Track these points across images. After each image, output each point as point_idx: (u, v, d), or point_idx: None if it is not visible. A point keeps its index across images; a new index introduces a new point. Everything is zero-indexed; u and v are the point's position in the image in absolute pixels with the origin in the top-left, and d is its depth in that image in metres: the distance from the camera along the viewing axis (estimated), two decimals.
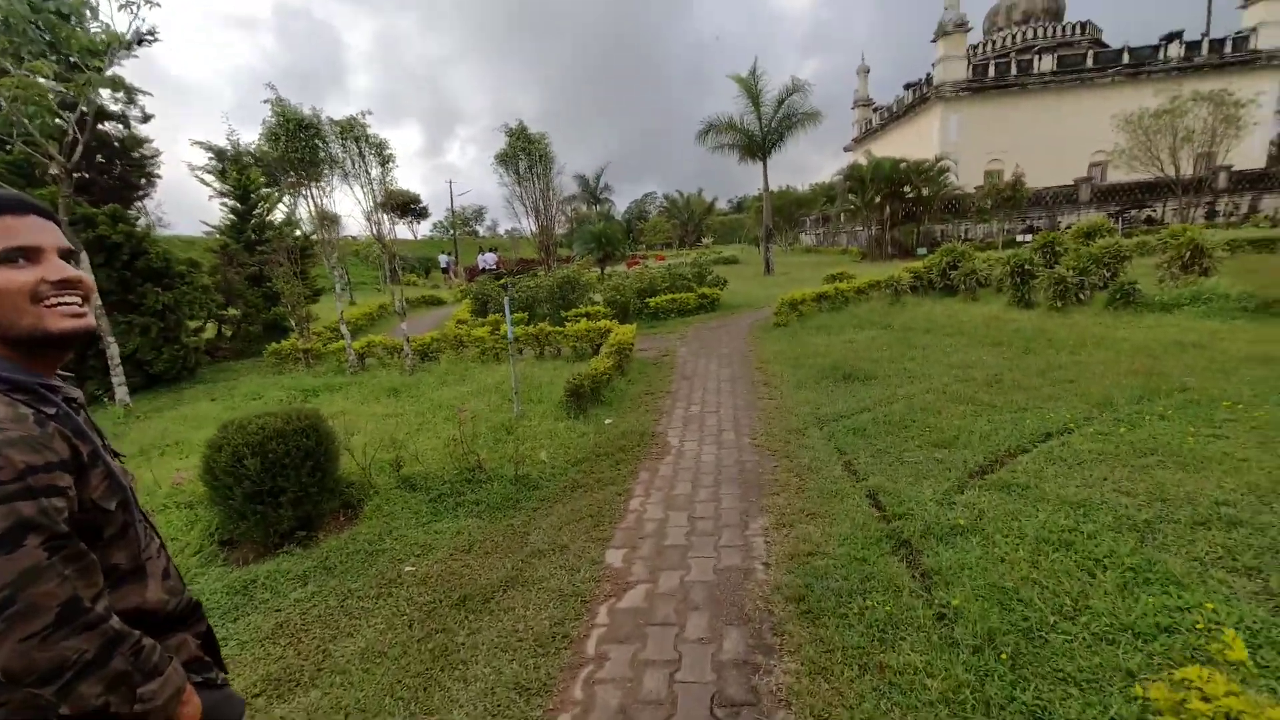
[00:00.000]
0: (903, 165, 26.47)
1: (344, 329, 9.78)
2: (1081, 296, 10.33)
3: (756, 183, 22.62)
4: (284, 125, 8.02)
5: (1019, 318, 9.81)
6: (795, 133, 21.98)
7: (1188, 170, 26.42)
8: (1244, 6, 33.02)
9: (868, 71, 48.73)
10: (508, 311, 5.96)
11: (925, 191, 26.98)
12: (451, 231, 43.94)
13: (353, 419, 6.45)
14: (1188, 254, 12.42)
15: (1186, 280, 11.39)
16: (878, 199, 27.58)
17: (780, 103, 21.58)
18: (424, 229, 58.07)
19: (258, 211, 14.47)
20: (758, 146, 22.44)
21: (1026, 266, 10.96)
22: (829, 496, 3.97)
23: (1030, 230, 28.90)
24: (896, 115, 39.58)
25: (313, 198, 8.53)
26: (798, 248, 48.18)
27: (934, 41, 33.48)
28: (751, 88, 21.37)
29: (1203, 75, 30.71)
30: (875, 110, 46.29)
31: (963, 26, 32.69)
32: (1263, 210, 28.43)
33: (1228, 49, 32.45)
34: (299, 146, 7.98)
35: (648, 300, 12.33)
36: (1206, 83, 28.48)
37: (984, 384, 6.13)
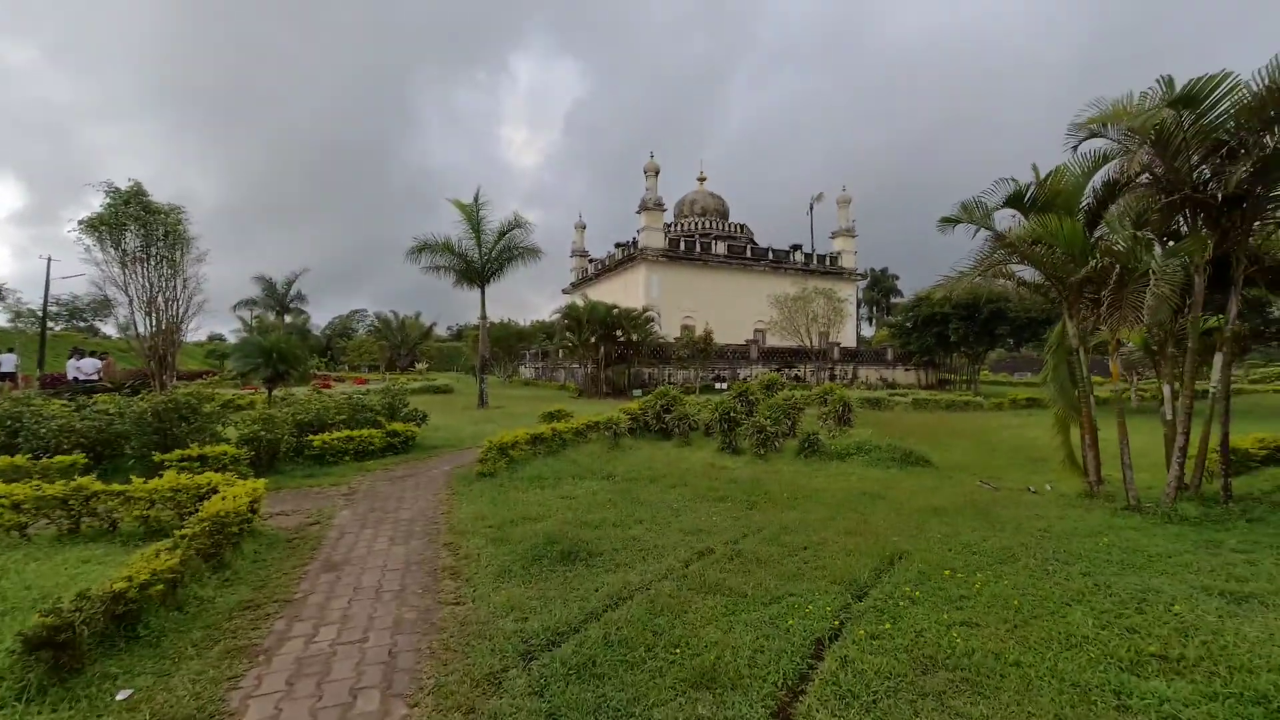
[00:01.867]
0: (615, 311, 28.47)
1: None
2: (777, 445, 10.91)
3: (477, 312, 21.68)
4: None
5: (732, 465, 9.70)
6: (515, 265, 21.77)
7: (817, 343, 34.41)
8: (833, 237, 47.04)
9: (584, 227, 54.53)
10: None
11: (635, 336, 29.26)
12: (42, 325, 31.62)
13: None
14: (841, 409, 14.78)
15: (842, 430, 13.28)
16: (593, 339, 28.86)
17: (502, 234, 21.30)
18: None
19: None
20: (476, 274, 21.45)
21: (732, 415, 11.34)
22: None
23: (719, 379, 33.54)
24: (609, 268, 44.14)
25: None
26: (516, 380, 47.86)
27: (638, 213, 39.01)
28: (472, 215, 20.72)
29: (816, 276, 41.73)
30: (591, 261, 51.24)
31: (660, 206, 39.01)
32: (861, 376, 38.46)
33: (828, 262, 45.22)
34: None
35: (310, 439, 9.10)
36: (819, 282, 38.62)
37: (725, 559, 5.03)
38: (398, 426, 10.36)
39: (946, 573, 4.59)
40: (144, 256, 11.79)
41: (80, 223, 11.71)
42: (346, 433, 9.50)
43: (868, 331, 74.52)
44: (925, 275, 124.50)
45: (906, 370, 40.34)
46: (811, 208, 51.32)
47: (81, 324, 66.98)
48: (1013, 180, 7.40)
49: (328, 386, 26.95)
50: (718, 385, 24.90)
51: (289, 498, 7.37)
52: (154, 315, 12.33)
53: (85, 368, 19.30)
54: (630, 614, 3.85)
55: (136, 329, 12.34)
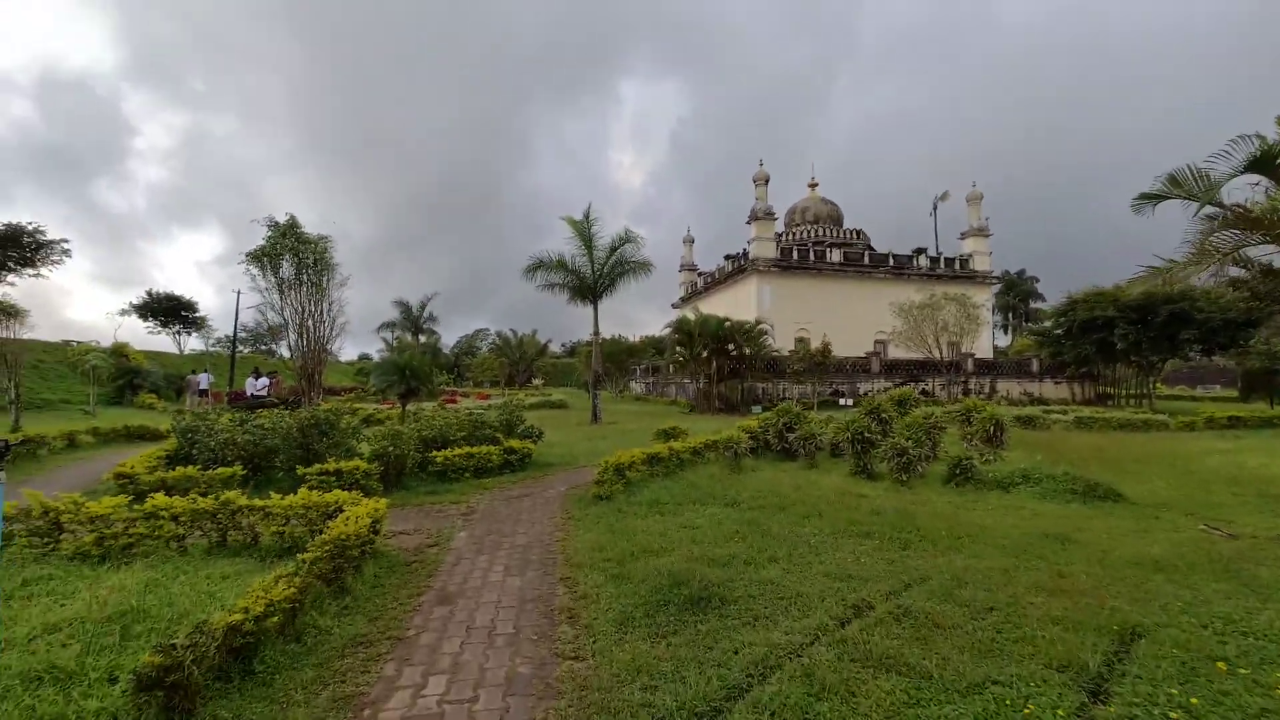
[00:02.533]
0: (726, 324, 27.61)
1: None
2: (920, 469, 9.54)
3: (588, 328, 22.10)
4: None
5: (870, 492, 8.54)
6: (626, 280, 21.71)
7: (948, 354, 31.21)
8: (962, 238, 42.86)
9: (692, 241, 54.14)
10: None
11: (747, 350, 28.17)
12: (233, 348, 36.66)
13: None
14: (992, 428, 12.88)
15: (995, 453, 11.49)
16: (704, 353, 28.15)
17: (613, 249, 21.35)
18: (194, 342, 48.81)
19: None
20: (588, 289, 21.64)
21: (865, 434, 10.12)
22: None
23: (838, 394, 31.43)
24: (719, 281, 43.31)
25: None
26: (628, 395, 48.22)
27: (748, 223, 37.91)
28: (584, 231, 20.96)
29: (944, 282, 38.10)
30: (700, 275, 50.70)
31: (770, 215, 37.66)
32: (1000, 390, 34.35)
33: (958, 265, 41.20)
34: None
35: (433, 455, 9.24)
36: (947, 287, 35.15)
37: (890, 619, 4.10)
38: (514, 444, 10.32)
39: (1220, 666, 3.36)
40: (297, 283, 13.06)
41: (247, 255, 13.25)
42: (466, 449, 9.56)
43: (1003, 341, 67.08)
44: (1067, 277, 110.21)
45: (1057, 383, 35.45)
46: (935, 208, 47.30)
47: (263, 347, 77.69)
48: (1257, 137, 5.78)
49: (454, 402, 28.57)
50: (841, 401, 23.16)
51: (412, 515, 7.38)
52: (304, 336, 13.53)
53: (258, 386, 21.84)
54: (784, 694, 3.09)
55: (290, 347, 13.64)
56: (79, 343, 26.98)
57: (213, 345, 55.37)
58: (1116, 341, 24.50)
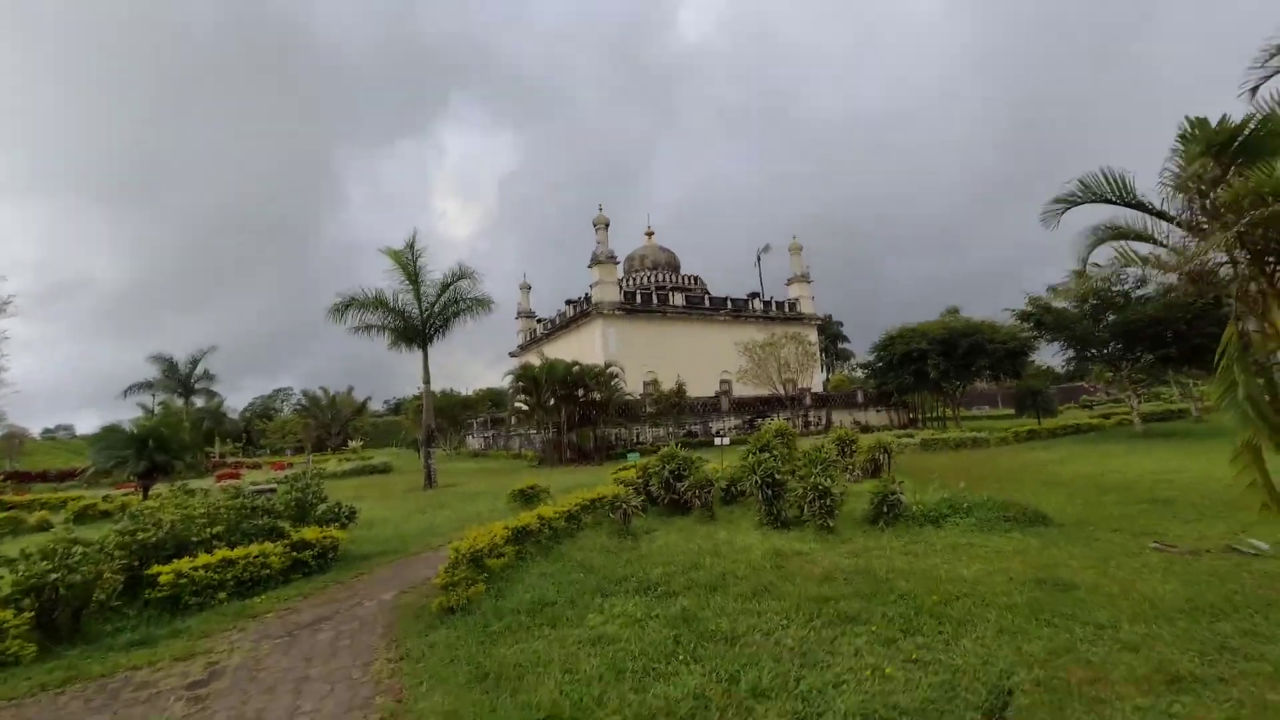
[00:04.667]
0: (575, 368, 25.57)
1: None
2: (837, 511, 8.15)
3: (414, 382, 18.55)
4: None
5: (803, 548, 6.83)
6: (462, 320, 18.71)
7: (790, 389, 32.50)
8: (789, 284, 46.43)
9: (529, 288, 51.82)
10: None
11: (599, 395, 26.30)
12: None
13: None
14: (880, 455, 12.28)
15: (872, 482, 10.82)
16: (552, 400, 25.71)
17: (445, 286, 18.31)
18: None
19: None
20: (416, 332, 18.21)
21: (775, 477, 8.55)
22: None
23: (691, 434, 30.77)
24: (561, 326, 41.35)
25: None
26: (464, 452, 43.46)
27: (590, 267, 36.83)
28: (408, 264, 17.70)
29: (778, 323, 40.43)
30: (539, 321, 48.36)
31: (613, 259, 37.03)
32: (835, 420, 36.69)
33: (788, 308, 44.26)
34: None
35: (157, 573, 5.59)
36: (781, 328, 37.20)
37: None
38: (310, 534, 6.94)
39: None
40: None
41: None
42: (224, 553, 6.04)
43: (818, 378, 74.36)
44: (867, 327, 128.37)
45: (879, 412, 39.00)
46: (759, 259, 50.84)
47: None
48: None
49: (234, 476, 22.34)
50: (718, 440, 22.11)
51: (74, 708, 3.91)
52: None
53: None
54: None
55: None
56: None
57: None
58: (930, 370, 27.13)
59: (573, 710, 3.23)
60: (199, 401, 42.46)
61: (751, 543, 7.19)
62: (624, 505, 8.20)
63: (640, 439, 29.18)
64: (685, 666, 3.79)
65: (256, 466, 31.81)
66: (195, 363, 39.01)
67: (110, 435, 13.45)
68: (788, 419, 33.78)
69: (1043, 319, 21.76)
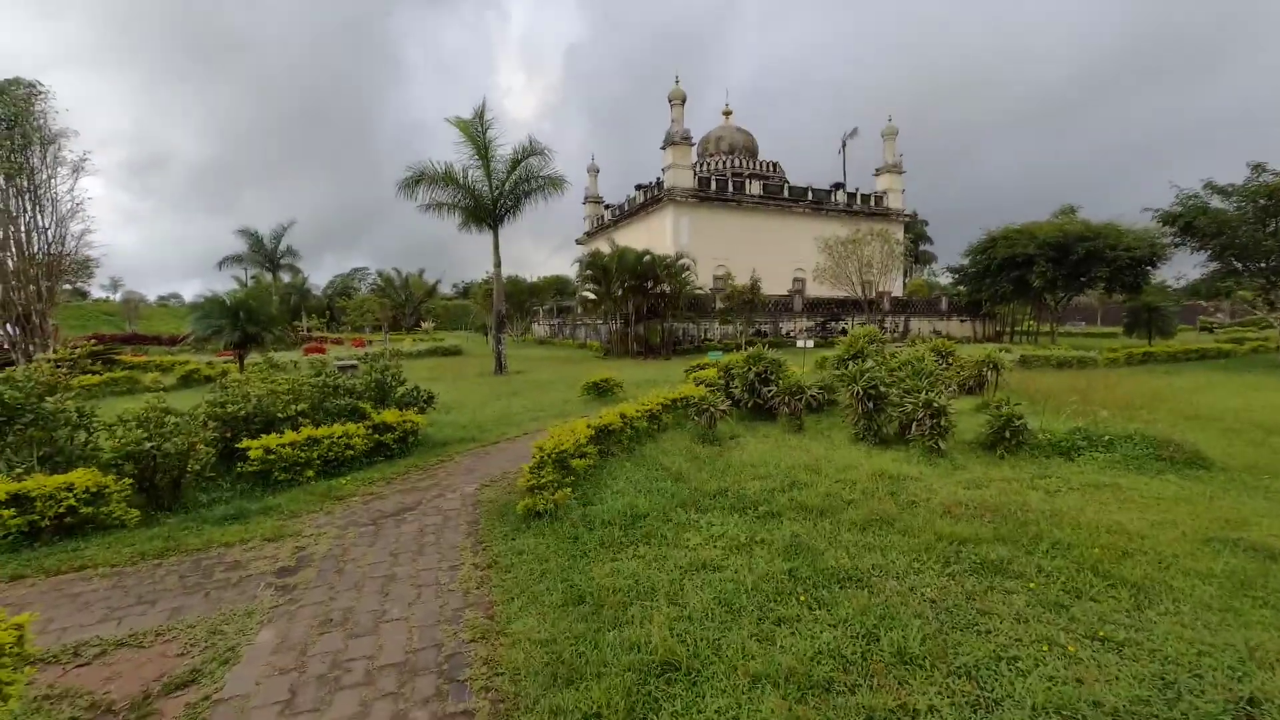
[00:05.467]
0: (646, 258, 24.53)
1: None
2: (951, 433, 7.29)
3: (481, 267, 18.25)
4: None
5: (913, 472, 6.11)
6: (534, 200, 17.80)
7: (868, 292, 30.40)
8: (877, 174, 42.13)
9: (597, 171, 49.58)
10: None
11: (668, 287, 25.39)
12: None
13: None
14: (988, 371, 11.11)
15: (971, 399, 9.88)
16: (621, 291, 25.05)
17: (516, 163, 17.26)
18: None
19: None
20: (486, 211, 17.52)
21: (878, 387, 7.69)
22: None
23: (759, 333, 29.79)
24: (630, 213, 39.70)
25: None
26: (529, 339, 44.31)
27: (663, 148, 34.34)
28: (478, 136, 16.65)
29: (861, 218, 37.21)
30: (607, 208, 46.69)
31: (688, 139, 34.27)
32: (914, 329, 34.56)
33: (873, 202, 40.53)
34: None
35: (247, 447, 5.55)
36: (865, 223, 34.16)
37: None
38: (390, 416, 6.81)
39: None
40: None
41: None
42: (309, 432, 5.96)
43: (898, 282, 69.84)
44: (958, 228, 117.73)
45: (962, 322, 36.40)
46: (844, 145, 46.06)
47: (66, 286, 63.46)
48: None
49: (320, 350, 23.49)
50: (800, 343, 21.08)
51: (169, 582, 3.86)
52: (7, 253, 8.33)
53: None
54: None
55: None
56: None
57: None
58: (1034, 279, 24.41)
59: (690, 659, 2.78)
60: (286, 277, 44.62)
61: (853, 460, 6.53)
62: (710, 408, 7.64)
63: (707, 335, 28.49)
64: (809, 612, 3.27)
65: (339, 342, 33.52)
66: (278, 239, 40.46)
67: (207, 305, 13.96)
68: (863, 323, 32.05)
69: (1194, 221, 18.48)
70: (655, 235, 34.73)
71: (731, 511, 4.90)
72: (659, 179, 36.07)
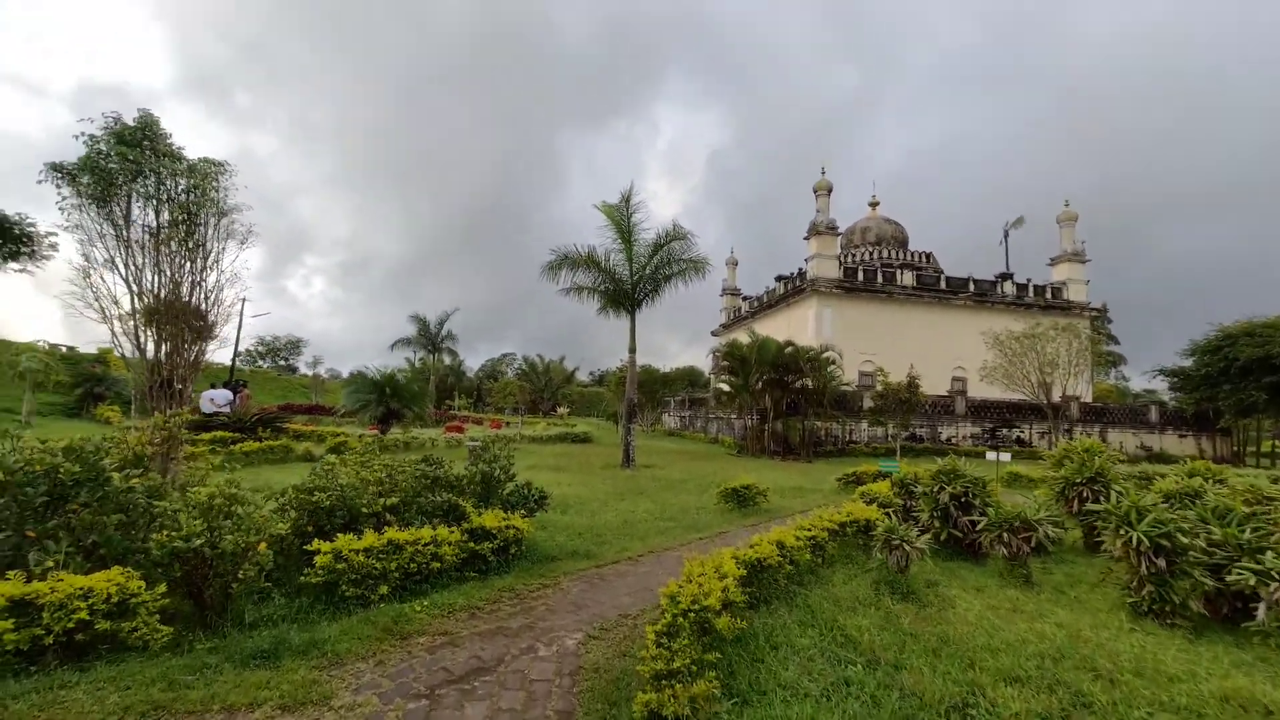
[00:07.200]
0: (789, 349, 22.70)
1: None
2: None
3: (617, 356, 18.01)
4: None
5: None
6: (673, 284, 17.13)
7: (1055, 395, 25.56)
8: (1053, 264, 37.24)
9: (736, 264, 49.50)
10: None
11: (811, 382, 23.11)
12: (232, 361, 33.04)
13: None
14: None
15: None
16: (760, 383, 23.21)
17: (658, 247, 16.85)
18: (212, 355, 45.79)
19: None
20: (625, 295, 17.10)
21: (1177, 538, 5.11)
22: None
23: (914, 438, 25.99)
24: (769, 304, 38.38)
25: None
26: (659, 429, 43.24)
27: (807, 238, 33.14)
28: (622, 220, 16.55)
29: (1035, 312, 32.48)
30: (744, 299, 45.90)
31: (834, 229, 32.85)
32: (1112, 442, 28.31)
33: (1049, 294, 35.52)
34: None
35: (316, 550, 4.55)
36: (1039, 317, 29.51)
37: None
38: (491, 520, 5.59)
39: None
40: (152, 229, 8.30)
41: (48, 165, 8.25)
42: (391, 535, 4.88)
43: (1085, 385, 59.91)
44: (1143, 324, 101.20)
45: (1182, 437, 29.31)
46: (1006, 235, 41.40)
47: (282, 361, 75.00)
48: None
49: (459, 430, 24.10)
50: (990, 455, 17.85)
51: None
52: (158, 316, 8.69)
53: (218, 399, 17.72)
54: None
55: (119, 318, 8.55)
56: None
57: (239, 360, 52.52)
58: None
59: None
60: (446, 359, 48.66)
61: (1133, 651, 4.06)
62: (902, 543, 5.52)
63: (853, 437, 25.37)
64: None
65: (479, 423, 34.82)
66: (441, 324, 44.38)
67: (357, 381, 14.59)
68: (1043, 433, 26.91)
69: None
70: (796, 327, 32.84)
71: None
72: (801, 270, 34.68)
